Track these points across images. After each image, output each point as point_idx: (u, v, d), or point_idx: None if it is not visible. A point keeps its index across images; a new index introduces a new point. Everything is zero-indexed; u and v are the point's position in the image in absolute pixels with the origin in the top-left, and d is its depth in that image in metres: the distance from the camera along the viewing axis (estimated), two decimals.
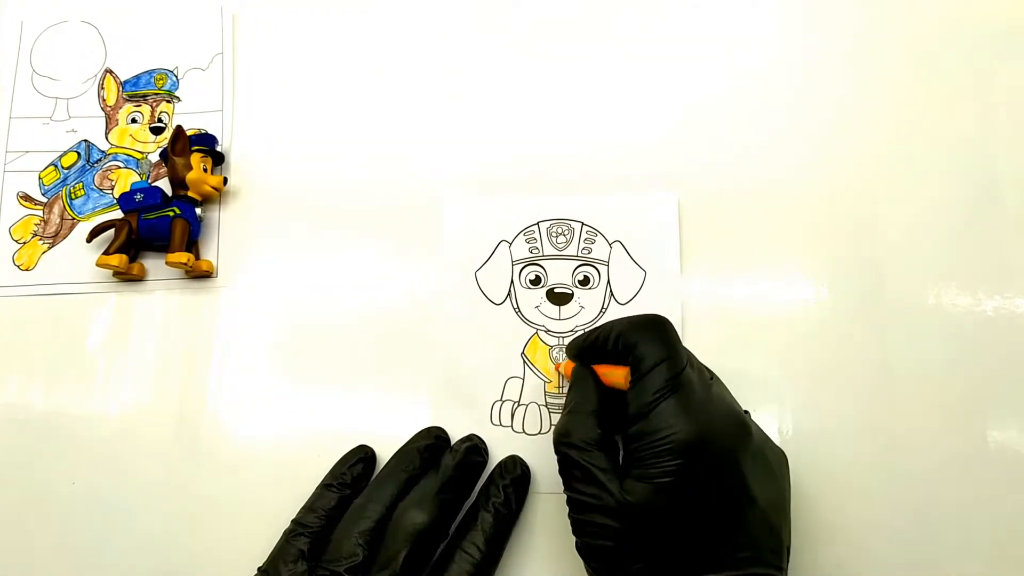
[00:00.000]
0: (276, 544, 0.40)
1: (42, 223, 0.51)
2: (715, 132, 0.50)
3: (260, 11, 0.55)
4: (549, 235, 0.48)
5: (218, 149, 0.50)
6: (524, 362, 0.46)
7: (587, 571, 0.37)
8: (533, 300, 0.46)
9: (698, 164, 0.49)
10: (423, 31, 0.53)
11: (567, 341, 0.45)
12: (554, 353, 0.45)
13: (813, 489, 0.42)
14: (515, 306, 0.46)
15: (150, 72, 0.54)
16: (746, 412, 0.38)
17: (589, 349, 0.40)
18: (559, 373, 0.45)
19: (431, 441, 0.43)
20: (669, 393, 0.35)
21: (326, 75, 0.53)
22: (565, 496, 0.37)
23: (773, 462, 0.37)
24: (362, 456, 0.43)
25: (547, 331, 0.46)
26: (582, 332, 0.42)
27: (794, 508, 0.38)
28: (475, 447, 0.43)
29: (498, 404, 0.45)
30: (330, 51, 0.53)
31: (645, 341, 0.36)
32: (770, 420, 0.44)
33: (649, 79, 0.51)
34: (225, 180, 0.50)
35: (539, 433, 0.44)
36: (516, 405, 0.45)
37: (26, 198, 0.51)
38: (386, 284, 0.48)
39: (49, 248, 0.50)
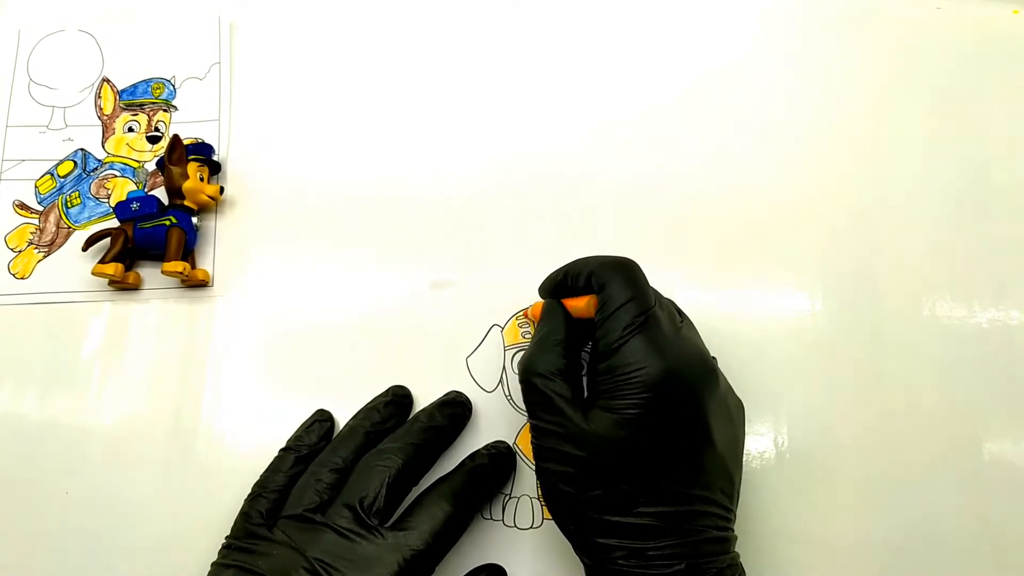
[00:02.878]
0: (239, 511, 0.41)
1: (38, 232, 0.50)
2: (708, 143, 0.50)
3: (258, 20, 0.55)
4: None
5: (215, 158, 0.50)
6: (516, 452, 0.44)
7: (542, 496, 0.36)
8: None
9: (689, 177, 0.49)
10: (420, 41, 0.53)
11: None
12: None
13: (806, 499, 0.42)
14: (507, 393, 0.45)
15: (147, 81, 0.54)
16: (713, 358, 0.39)
17: (560, 286, 0.41)
18: (528, 318, 0.45)
19: (390, 398, 0.43)
20: (638, 330, 0.35)
21: (323, 85, 0.53)
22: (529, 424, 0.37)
23: (732, 408, 0.38)
24: (320, 418, 0.44)
25: None
26: (553, 271, 0.42)
27: (786, 517, 0.38)
28: (455, 400, 0.43)
29: None
30: (328, 61, 0.53)
31: (614, 281, 0.37)
32: (764, 431, 0.44)
33: (644, 92, 0.51)
34: (222, 189, 0.50)
35: (531, 527, 0.42)
36: (508, 498, 0.43)
37: (22, 206, 0.51)
38: (382, 294, 0.48)
39: (45, 257, 0.50)
